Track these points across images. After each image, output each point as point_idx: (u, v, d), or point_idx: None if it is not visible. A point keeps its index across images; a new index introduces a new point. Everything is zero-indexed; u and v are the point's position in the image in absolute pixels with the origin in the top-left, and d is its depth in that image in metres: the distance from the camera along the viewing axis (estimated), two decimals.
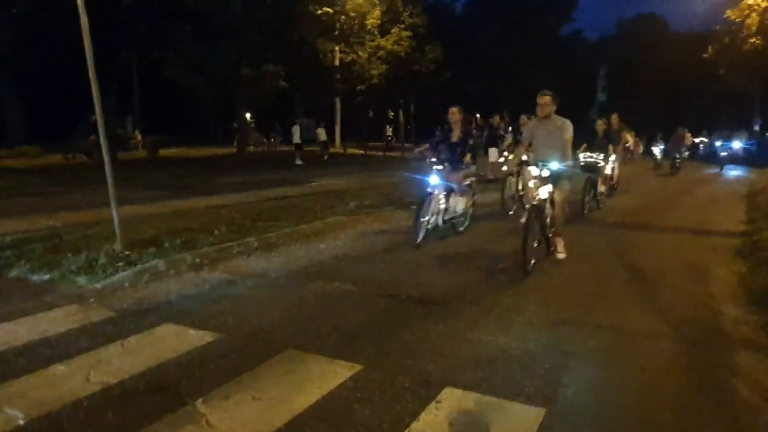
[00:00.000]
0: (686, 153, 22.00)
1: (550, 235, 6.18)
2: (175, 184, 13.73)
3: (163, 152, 25.60)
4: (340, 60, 32.04)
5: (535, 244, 5.81)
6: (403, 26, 34.98)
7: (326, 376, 3.25)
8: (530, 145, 6.36)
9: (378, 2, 30.00)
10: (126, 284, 5.03)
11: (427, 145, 7.64)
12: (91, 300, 4.60)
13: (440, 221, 7.11)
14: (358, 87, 33.29)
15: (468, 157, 7.20)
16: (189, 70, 23.33)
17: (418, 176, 7.56)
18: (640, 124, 27.38)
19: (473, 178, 7.85)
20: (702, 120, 37.91)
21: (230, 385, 3.11)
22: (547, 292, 5.06)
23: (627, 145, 25.30)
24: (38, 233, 7.07)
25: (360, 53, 31.85)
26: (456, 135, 7.39)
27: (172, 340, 3.78)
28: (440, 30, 40.71)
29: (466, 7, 53.87)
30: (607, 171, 10.95)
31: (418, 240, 6.78)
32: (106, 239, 6.25)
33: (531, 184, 6.00)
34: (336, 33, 27.19)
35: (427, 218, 6.86)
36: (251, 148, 30.33)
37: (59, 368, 3.32)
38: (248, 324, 4.10)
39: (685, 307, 4.71)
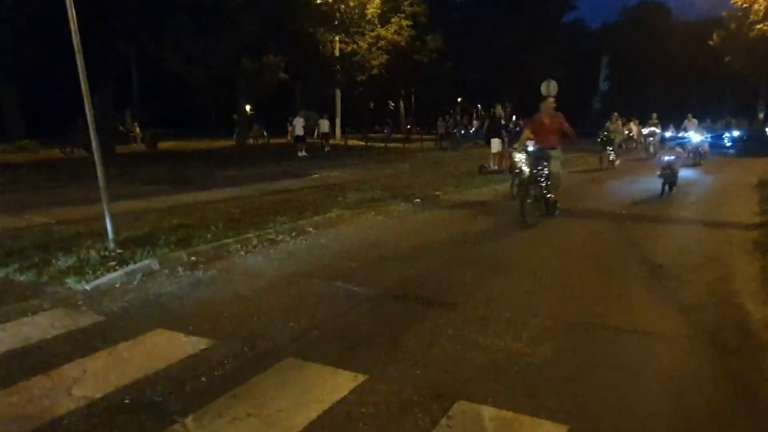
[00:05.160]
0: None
1: None
2: (174, 178, 13.45)
3: (162, 145, 25.28)
4: (340, 50, 31.63)
5: None
6: (403, 15, 34.57)
7: (328, 388, 3.00)
8: None
9: None
10: (117, 285, 4.79)
11: None
12: (80, 303, 4.35)
13: None
14: (359, 78, 32.89)
15: None
16: (188, 62, 22.98)
17: None
18: (642, 114, 26.93)
19: None
20: (705, 108, 37.47)
21: (224, 400, 2.86)
22: (562, 290, 4.80)
23: (630, 134, 24.48)
24: (29, 231, 6.87)
25: (360, 43, 31.43)
26: None
27: (162, 348, 3.52)
28: (441, 19, 40.28)
29: None
30: None
31: None
32: (99, 236, 6.03)
33: None
34: (336, 23, 26.86)
35: None
36: (251, 141, 30.03)
37: (40, 380, 3.07)
38: (245, 329, 3.85)
39: (710, 307, 4.44)
